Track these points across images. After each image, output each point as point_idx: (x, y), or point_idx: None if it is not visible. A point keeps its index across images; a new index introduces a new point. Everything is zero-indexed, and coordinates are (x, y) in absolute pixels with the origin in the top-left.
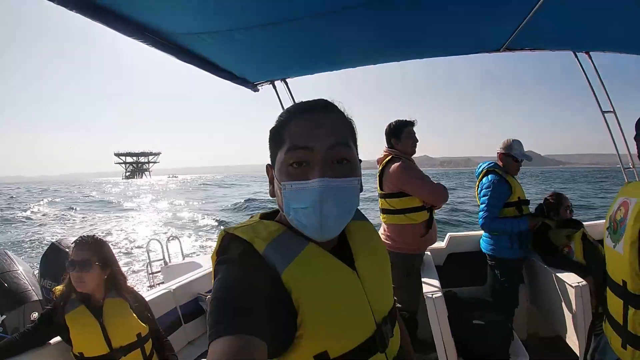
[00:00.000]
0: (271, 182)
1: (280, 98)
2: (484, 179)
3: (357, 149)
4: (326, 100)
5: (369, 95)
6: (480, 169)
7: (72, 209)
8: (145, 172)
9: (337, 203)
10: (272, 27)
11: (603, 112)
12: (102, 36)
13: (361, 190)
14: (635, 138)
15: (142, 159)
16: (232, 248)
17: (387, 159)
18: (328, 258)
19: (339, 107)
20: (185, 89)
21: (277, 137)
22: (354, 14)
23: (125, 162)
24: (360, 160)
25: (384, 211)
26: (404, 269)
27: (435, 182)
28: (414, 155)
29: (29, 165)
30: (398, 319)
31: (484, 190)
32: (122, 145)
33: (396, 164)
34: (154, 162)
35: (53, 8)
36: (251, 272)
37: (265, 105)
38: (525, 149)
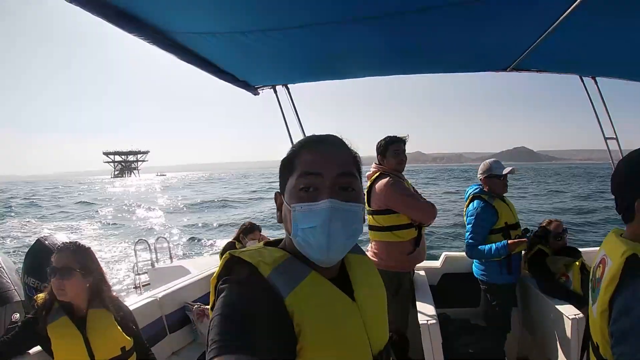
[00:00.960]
0: (279, 209)
1: (281, 103)
2: (470, 205)
3: (361, 178)
4: (335, 135)
5: (365, 97)
6: (467, 194)
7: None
8: (134, 171)
9: (344, 224)
10: (278, 33)
11: (606, 139)
12: (90, 34)
13: (364, 221)
14: None
15: (130, 158)
16: (237, 270)
17: (375, 175)
18: (330, 287)
19: (346, 142)
20: (175, 88)
21: (289, 165)
22: (361, 26)
23: (114, 161)
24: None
25: (371, 228)
26: (391, 287)
27: (424, 200)
28: (407, 152)
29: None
30: (391, 353)
31: (469, 217)
32: (114, 144)
33: (383, 181)
34: (143, 161)
35: (42, 2)
36: (255, 294)
37: (257, 107)
38: (518, 145)
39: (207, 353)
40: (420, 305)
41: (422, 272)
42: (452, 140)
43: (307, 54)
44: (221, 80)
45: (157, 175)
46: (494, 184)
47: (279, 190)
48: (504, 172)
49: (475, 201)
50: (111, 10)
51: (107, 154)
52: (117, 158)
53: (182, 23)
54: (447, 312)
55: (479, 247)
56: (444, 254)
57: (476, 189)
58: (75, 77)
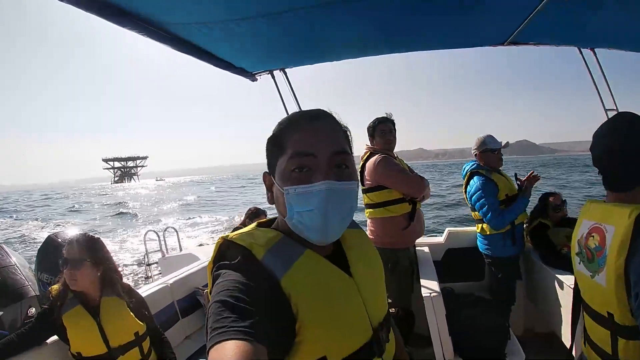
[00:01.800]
0: (269, 190)
1: (279, 88)
2: (470, 182)
3: (352, 155)
4: (324, 110)
5: (363, 87)
6: (463, 173)
7: None
8: (134, 176)
9: (340, 204)
10: (271, 17)
11: (606, 110)
12: (86, 35)
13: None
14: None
15: (130, 164)
16: (230, 254)
17: (366, 154)
18: (326, 264)
19: (334, 116)
20: (175, 88)
21: (278, 144)
22: (355, 4)
23: (113, 167)
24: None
25: (367, 206)
26: (388, 264)
27: (414, 174)
28: (410, 149)
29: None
30: (392, 323)
31: (476, 193)
32: (113, 144)
33: (373, 159)
34: (142, 166)
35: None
36: (251, 278)
37: (256, 104)
38: (520, 139)
39: (207, 341)
40: (423, 281)
41: (425, 249)
42: (455, 136)
43: (301, 37)
44: (222, 70)
45: (157, 180)
46: (489, 158)
47: (267, 171)
48: (500, 146)
49: (475, 177)
50: (106, 6)
51: (106, 160)
52: (117, 164)
53: (175, 14)
54: (451, 286)
55: (505, 211)
56: (447, 229)
57: (473, 165)
58: (72, 78)
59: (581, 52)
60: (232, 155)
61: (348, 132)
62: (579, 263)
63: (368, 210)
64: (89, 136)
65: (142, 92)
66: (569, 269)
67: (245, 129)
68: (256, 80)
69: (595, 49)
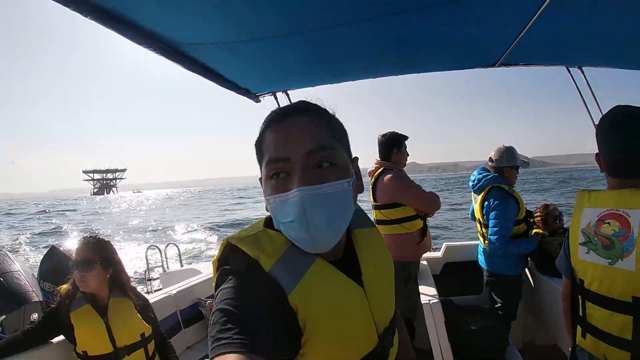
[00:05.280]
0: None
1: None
2: (489, 197)
3: (346, 145)
4: (303, 102)
5: (361, 103)
6: (481, 184)
7: None
8: (113, 189)
9: (323, 211)
10: (276, 39)
11: (596, 127)
12: (60, 47)
13: (361, 190)
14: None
15: (109, 176)
16: (235, 260)
17: (378, 170)
18: (335, 274)
19: (316, 106)
20: (151, 105)
21: (258, 150)
22: (354, 29)
23: (93, 179)
24: (356, 158)
25: (378, 222)
26: (402, 276)
27: (427, 191)
28: None
29: None
30: (399, 321)
31: (497, 212)
32: (93, 161)
33: (389, 175)
34: (120, 179)
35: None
36: (256, 289)
37: (234, 121)
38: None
39: (210, 350)
40: (423, 292)
41: (424, 262)
42: (447, 149)
43: (303, 60)
44: (224, 89)
45: (134, 192)
46: (512, 173)
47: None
48: (529, 162)
49: (496, 192)
50: (122, 23)
51: (86, 172)
52: (97, 176)
53: (186, 34)
54: (450, 298)
55: (512, 242)
56: (444, 244)
57: (492, 177)
58: (52, 85)
59: (569, 71)
60: (207, 173)
61: (332, 120)
62: (586, 253)
63: (381, 226)
64: (67, 146)
65: (126, 103)
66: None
67: (219, 144)
68: (259, 101)
69: (583, 67)
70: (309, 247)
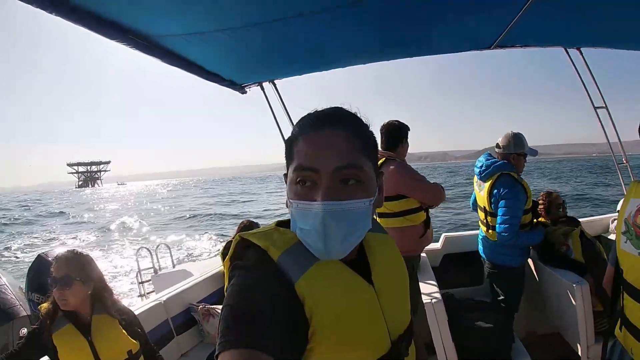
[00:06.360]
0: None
1: (269, 100)
2: (498, 184)
3: (374, 160)
4: (339, 110)
5: (346, 89)
6: (490, 171)
7: None
8: (97, 181)
9: (342, 226)
10: (258, 28)
11: (595, 108)
12: (47, 41)
13: (380, 205)
14: None
15: (93, 168)
16: (246, 254)
17: (381, 161)
18: (343, 270)
19: (353, 117)
20: (137, 97)
21: (289, 151)
22: (341, 13)
23: (77, 172)
24: (381, 173)
25: (381, 215)
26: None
27: (433, 183)
28: None
29: None
30: (416, 341)
31: (507, 199)
32: (78, 155)
33: (393, 167)
34: (105, 171)
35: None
36: (264, 281)
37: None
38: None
39: (217, 345)
40: (423, 287)
41: (423, 255)
42: (437, 138)
43: (288, 47)
44: (209, 82)
45: (118, 184)
46: (520, 161)
47: (286, 172)
48: (537, 151)
49: (507, 180)
50: (92, 17)
51: (71, 165)
52: (81, 169)
53: (162, 25)
54: (451, 292)
55: (522, 232)
56: (443, 235)
57: (501, 164)
58: (35, 82)
59: (567, 52)
60: (190, 159)
61: (368, 136)
62: (625, 242)
63: (384, 219)
64: (50, 140)
65: (108, 99)
66: (567, 267)
67: (201, 133)
68: (245, 92)
69: (582, 48)
70: (321, 255)
